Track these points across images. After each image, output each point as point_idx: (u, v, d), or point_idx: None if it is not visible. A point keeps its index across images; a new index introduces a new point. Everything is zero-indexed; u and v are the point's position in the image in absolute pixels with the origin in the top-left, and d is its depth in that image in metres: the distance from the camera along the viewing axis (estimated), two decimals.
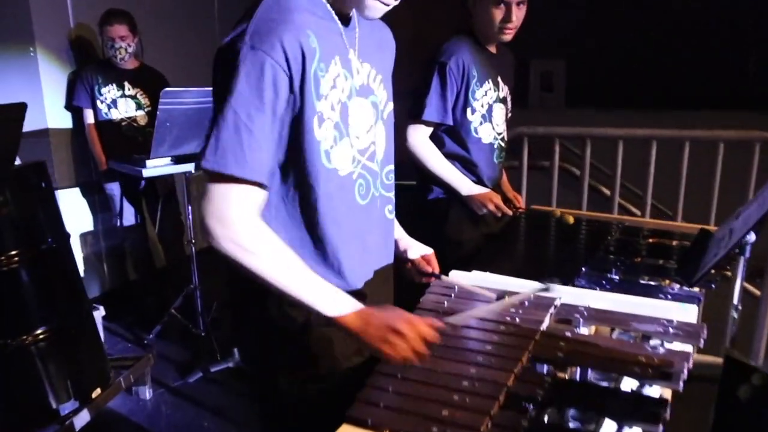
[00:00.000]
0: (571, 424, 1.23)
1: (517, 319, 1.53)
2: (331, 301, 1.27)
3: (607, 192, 3.49)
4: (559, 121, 3.64)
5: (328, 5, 1.35)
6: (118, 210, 3.98)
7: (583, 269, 2.10)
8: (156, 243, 4.30)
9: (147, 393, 3.19)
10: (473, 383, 1.24)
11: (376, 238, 1.52)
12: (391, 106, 1.57)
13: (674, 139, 3.06)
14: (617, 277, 2.04)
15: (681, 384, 1.26)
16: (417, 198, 2.51)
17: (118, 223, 4.03)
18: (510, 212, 2.44)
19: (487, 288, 1.73)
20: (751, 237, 1.83)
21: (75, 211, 4.16)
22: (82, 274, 4.21)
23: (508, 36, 2.36)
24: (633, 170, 3.24)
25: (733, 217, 2.03)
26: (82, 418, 2.64)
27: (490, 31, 2.35)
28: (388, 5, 1.32)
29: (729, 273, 2.10)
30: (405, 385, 1.25)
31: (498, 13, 2.29)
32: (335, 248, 1.39)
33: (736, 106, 4.59)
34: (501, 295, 1.64)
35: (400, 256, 1.71)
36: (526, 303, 1.63)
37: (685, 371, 1.29)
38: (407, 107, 2.31)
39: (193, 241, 3.61)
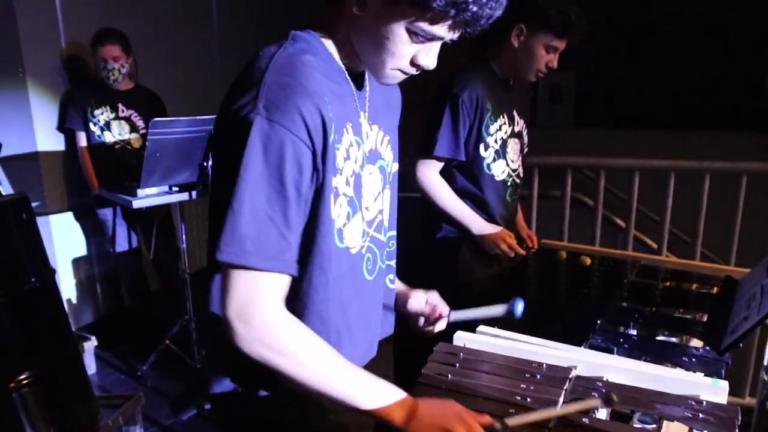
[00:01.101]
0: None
1: (529, 399, 1.38)
2: (374, 393, 1.11)
3: (622, 223, 3.34)
4: (569, 140, 3.49)
5: (342, 66, 1.20)
6: (111, 235, 3.85)
7: (599, 323, 1.96)
8: (150, 268, 4.17)
9: None
10: None
11: (379, 312, 1.38)
12: (396, 166, 1.42)
13: (693, 170, 2.90)
14: (635, 332, 1.90)
15: None
16: (425, 236, 2.36)
17: (112, 249, 3.89)
18: (523, 252, 2.29)
19: (494, 353, 1.59)
20: None
21: (67, 236, 4.04)
22: (74, 300, 4.11)
23: (537, 78, 2.23)
24: (649, 197, 3.08)
25: (763, 268, 1.88)
26: None
27: (525, 69, 2.20)
28: (407, 75, 1.16)
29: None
30: None
31: (545, 58, 2.16)
32: (339, 336, 1.24)
33: (753, 125, 4.43)
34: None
35: (401, 311, 1.54)
36: (538, 376, 1.48)
37: None
38: (417, 140, 2.18)
39: (188, 271, 3.47)
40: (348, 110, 1.19)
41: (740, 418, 1.31)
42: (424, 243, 2.35)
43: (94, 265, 4.23)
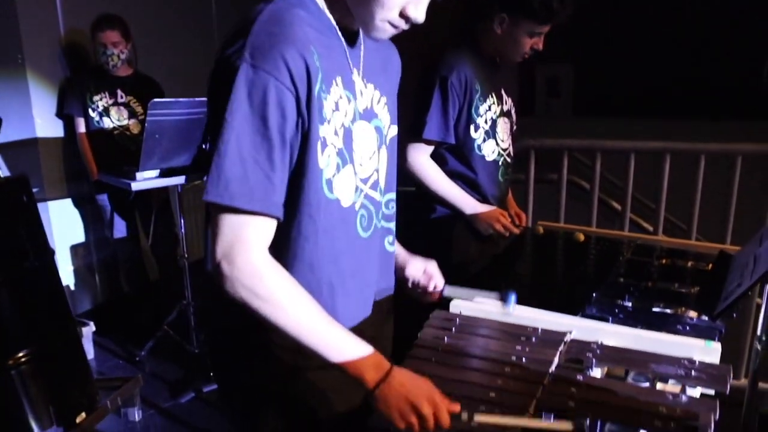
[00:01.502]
0: None
1: (524, 359, 1.40)
2: (351, 348, 1.14)
3: (618, 206, 3.34)
4: (567, 130, 3.50)
5: (333, 21, 1.22)
6: (109, 221, 3.86)
7: (594, 295, 1.97)
8: (149, 255, 4.18)
9: (136, 415, 3.06)
10: None
11: (375, 272, 1.39)
12: (394, 130, 1.44)
13: (689, 151, 2.91)
14: (630, 305, 1.91)
15: None
16: (419, 217, 2.36)
17: (110, 236, 3.90)
18: (517, 231, 2.30)
19: (490, 320, 1.61)
20: None
21: (66, 223, 4.04)
22: (72, 287, 4.12)
23: (521, 59, 2.24)
24: (645, 183, 3.09)
25: (756, 241, 1.90)
26: None
27: (510, 54, 2.21)
28: (397, 28, 1.19)
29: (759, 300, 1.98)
30: None
31: (529, 42, 2.17)
32: (331, 286, 1.26)
33: (750, 114, 4.44)
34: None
35: (397, 275, 1.56)
36: (533, 339, 1.50)
37: (713, 424, 1.16)
38: (406, 124, 2.18)
39: (186, 255, 3.48)
40: (337, 64, 1.21)
41: (731, 375, 1.33)
42: (417, 224, 2.36)
43: (93, 252, 4.24)
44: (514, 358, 1.40)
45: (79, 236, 4.17)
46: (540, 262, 2.39)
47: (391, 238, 1.44)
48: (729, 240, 2.82)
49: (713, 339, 1.58)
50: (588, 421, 1.25)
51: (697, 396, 1.29)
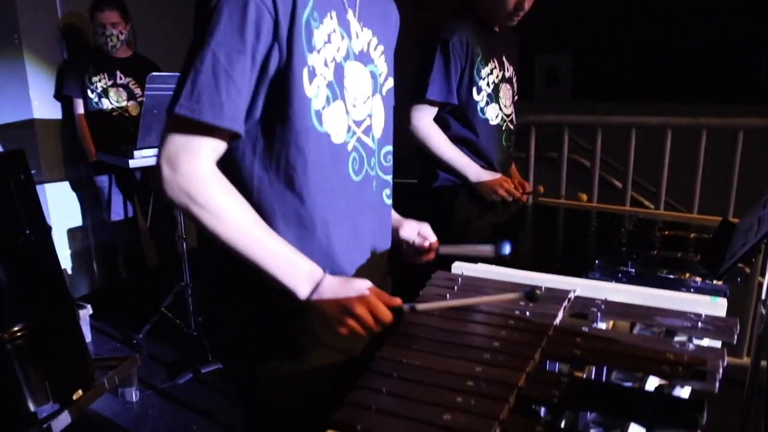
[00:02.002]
0: (592, 430, 1.07)
1: (528, 313, 1.38)
2: (286, 262, 1.14)
3: (619, 185, 3.32)
4: (567, 112, 3.46)
5: None
6: (107, 203, 3.83)
7: (597, 262, 1.95)
8: (148, 239, 4.15)
9: (133, 395, 3.04)
10: (479, 384, 1.08)
11: (371, 221, 1.37)
12: (391, 82, 1.43)
13: (691, 127, 2.89)
14: (633, 271, 1.89)
15: (716, 385, 1.10)
16: (421, 186, 2.35)
17: (108, 218, 3.87)
18: (520, 197, 2.28)
19: (493, 280, 1.59)
20: None
21: (63, 207, 4.02)
22: (70, 271, 4.09)
23: (515, 21, 2.24)
24: (646, 163, 3.06)
25: (760, 205, 1.88)
26: (62, 421, 2.48)
27: (499, 15, 2.22)
28: None
29: (747, 269, 1.96)
30: (401, 386, 1.09)
31: (511, 1, 2.16)
32: (325, 223, 1.24)
33: (751, 101, 4.42)
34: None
35: (392, 237, 1.55)
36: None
37: (721, 370, 1.14)
38: (409, 89, 2.17)
39: (185, 237, 3.46)
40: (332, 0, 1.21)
41: (738, 327, 1.31)
42: (420, 192, 2.34)
43: (90, 236, 4.21)
44: (517, 312, 1.38)
45: (77, 220, 4.14)
46: (542, 233, 2.37)
47: (388, 191, 1.42)
48: (731, 216, 2.80)
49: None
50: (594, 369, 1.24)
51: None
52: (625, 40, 5.87)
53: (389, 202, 1.43)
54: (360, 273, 1.34)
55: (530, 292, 1.24)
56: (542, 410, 1.10)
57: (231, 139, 1.15)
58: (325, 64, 1.19)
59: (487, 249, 1.59)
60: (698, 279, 1.77)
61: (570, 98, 6.40)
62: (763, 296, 1.78)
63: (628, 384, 1.21)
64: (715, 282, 1.70)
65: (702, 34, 5.44)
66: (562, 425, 1.03)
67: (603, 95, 5.86)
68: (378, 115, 1.36)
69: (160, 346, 3.57)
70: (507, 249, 1.56)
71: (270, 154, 1.18)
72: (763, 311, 1.79)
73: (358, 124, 1.29)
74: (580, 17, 6.01)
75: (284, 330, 1.25)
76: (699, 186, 2.88)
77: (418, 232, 1.56)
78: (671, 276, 1.86)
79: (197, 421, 2.85)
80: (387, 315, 1.14)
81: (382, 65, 1.36)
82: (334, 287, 1.14)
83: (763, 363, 2.70)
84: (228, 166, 1.19)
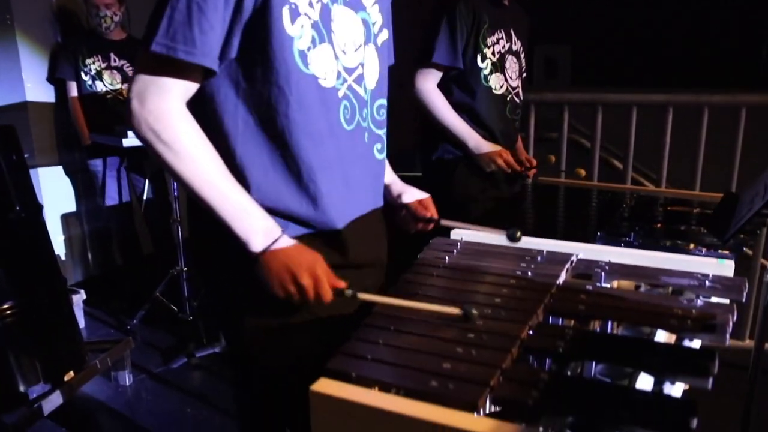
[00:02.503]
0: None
1: (529, 273, 1.34)
2: (245, 212, 1.12)
3: (620, 166, 3.27)
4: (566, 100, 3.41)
5: None
6: (101, 188, 3.78)
7: (599, 234, 1.91)
8: (142, 225, 4.10)
9: (127, 379, 2.98)
10: (481, 336, 1.04)
11: (362, 174, 1.33)
12: (386, 34, 1.39)
13: (692, 105, 2.84)
14: (636, 243, 1.85)
15: (727, 337, 1.06)
16: (421, 157, 2.32)
17: (102, 203, 3.81)
18: (520, 169, 2.24)
19: (494, 244, 1.55)
20: None
21: (57, 192, 3.96)
22: (63, 257, 4.04)
23: None
24: (648, 145, 3.01)
25: (765, 174, 1.84)
26: (53, 401, 2.43)
27: None
28: None
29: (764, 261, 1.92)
30: (398, 338, 1.05)
31: None
32: (311, 168, 1.20)
33: (753, 89, 4.38)
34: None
35: (393, 203, 1.52)
36: (539, 259, 1.43)
37: (731, 324, 1.09)
38: (414, 54, 2.14)
39: (179, 220, 3.41)
40: None
41: (747, 286, 1.26)
42: (419, 165, 2.31)
43: (84, 222, 4.16)
44: (519, 272, 1.34)
45: (71, 206, 4.09)
46: (543, 209, 2.33)
47: (380, 145, 1.38)
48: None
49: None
50: (599, 324, 1.19)
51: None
52: (624, 30, 5.82)
53: (381, 157, 1.39)
54: (354, 226, 1.30)
55: (512, 234, 1.19)
56: (547, 362, 1.05)
57: (204, 76, 1.13)
58: (310, 4, 1.15)
59: (497, 233, 1.53)
60: (703, 249, 1.73)
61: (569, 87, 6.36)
62: None
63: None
64: (720, 252, 1.66)
65: (702, 23, 5.40)
66: (569, 373, 0.98)
67: (603, 86, 5.81)
68: (371, 66, 1.32)
69: (155, 332, 3.52)
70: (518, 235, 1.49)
71: (252, 95, 1.15)
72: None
73: (349, 71, 1.25)
74: (580, 7, 5.97)
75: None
76: (701, 164, 2.84)
77: (420, 200, 1.54)
78: (676, 246, 1.83)
79: (191, 404, 2.79)
80: (328, 294, 1.12)
81: (375, 15, 1.32)
82: (289, 251, 1.12)
83: (740, 343, 2.67)
84: (213, 111, 1.17)
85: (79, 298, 3.57)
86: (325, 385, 0.89)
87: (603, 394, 0.87)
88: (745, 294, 1.24)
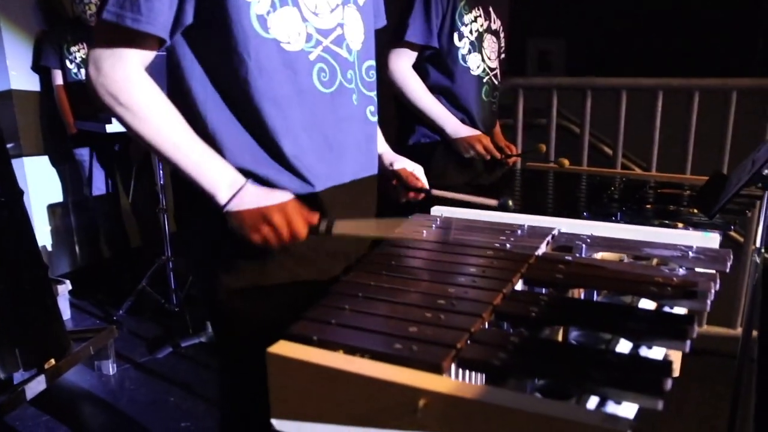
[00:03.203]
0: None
1: (508, 245, 1.29)
2: (208, 166, 1.12)
3: (610, 152, 3.23)
4: (560, 98, 3.35)
5: None
6: (87, 177, 3.73)
7: (585, 214, 1.87)
8: (130, 217, 4.06)
9: (110, 368, 2.94)
10: (451, 302, 1.00)
11: (349, 137, 1.29)
12: None
13: (682, 88, 2.80)
14: (624, 222, 1.81)
15: (708, 304, 1.02)
16: (396, 142, 2.25)
17: (89, 193, 3.77)
18: (499, 155, 2.18)
19: (474, 219, 1.51)
20: None
21: (43, 182, 3.91)
22: (50, 248, 3.99)
23: None
24: (637, 129, 2.97)
25: (755, 151, 1.81)
26: (35, 387, 2.39)
27: None
28: None
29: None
30: (366, 304, 1.01)
31: None
32: (277, 133, 1.17)
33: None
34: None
35: (384, 171, 1.49)
36: (519, 232, 1.39)
37: (713, 291, 1.05)
38: (388, 32, 2.08)
39: (165, 209, 3.37)
40: None
41: (731, 258, 1.22)
42: (396, 149, 2.25)
43: (71, 213, 4.10)
44: (497, 245, 1.30)
45: (57, 196, 4.03)
46: (529, 193, 2.28)
47: (372, 108, 1.35)
48: None
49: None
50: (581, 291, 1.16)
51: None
52: (619, 23, 5.78)
53: (374, 119, 1.36)
54: (337, 191, 1.27)
55: (504, 202, 1.16)
56: (521, 329, 1.01)
57: (161, 44, 1.13)
58: None
59: (490, 202, 1.49)
60: (691, 229, 1.69)
61: None
62: (758, 244, 1.69)
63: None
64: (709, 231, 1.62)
65: (699, 14, 5.37)
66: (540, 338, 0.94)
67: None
68: (353, 27, 1.28)
69: (141, 322, 3.48)
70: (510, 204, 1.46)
71: (214, 62, 1.15)
72: (757, 259, 1.71)
73: (325, 33, 1.21)
74: (573, 1, 5.93)
75: (249, 246, 1.18)
76: (692, 149, 2.79)
77: (412, 170, 1.52)
78: (663, 225, 1.79)
79: (175, 393, 2.75)
80: (303, 229, 1.11)
81: None
82: (256, 195, 1.11)
83: (755, 333, 2.64)
84: (181, 78, 1.17)
85: (64, 289, 3.52)
86: (284, 348, 0.85)
87: (574, 356, 0.83)
88: (729, 264, 1.20)
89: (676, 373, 2.39)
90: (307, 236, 1.13)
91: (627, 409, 0.79)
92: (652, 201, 2.06)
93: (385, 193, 1.52)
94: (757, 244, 1.70)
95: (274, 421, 0.87)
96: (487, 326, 0.95)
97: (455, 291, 1.04)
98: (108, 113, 1.11)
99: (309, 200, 1.20)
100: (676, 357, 2.36)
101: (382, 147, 1.53)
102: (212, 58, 1.14)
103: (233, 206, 1.11)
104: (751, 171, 1.48)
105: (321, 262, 1.24)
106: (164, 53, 1.19)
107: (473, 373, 0.92)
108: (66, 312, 3.56)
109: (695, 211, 1.82)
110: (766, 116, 2.62)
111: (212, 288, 1.24)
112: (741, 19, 5.16)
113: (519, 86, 3.02)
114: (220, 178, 1.11)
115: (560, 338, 1.04)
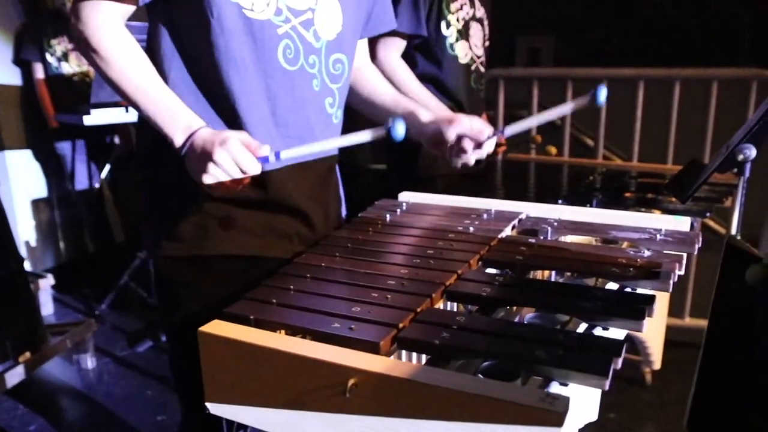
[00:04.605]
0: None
1: (472, 228, 1.26)
2: (168, 111, 1.11)
3: (591, 143, 3.19)
4: (549, 93, 3.29)
5: None
6: (70, 172, 3.69)
7: (559, 201, 1.84)
8: (113, 210, 4.01)
9: (89, 362, 2.90)
10: (401, 283, 0.96)
11: (299, 120, 1.24)
12: None
13: (663, 78, 2.76)
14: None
15: (670, 284, 0.98)
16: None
17: (71, 186, 3.72)
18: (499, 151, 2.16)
19: (441, 205, 1.47)
20: (751, 152, 1.53)
21: (25, 176, 3.86)
22: (34, 243, 3.95)
23: None
24: (619, 120, 2.92)
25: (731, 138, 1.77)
26: (12, 378, 2.35)
27: None
28: None
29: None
30: (313, 285, 0.97)
31: None
32: (233, 94, 1.16)
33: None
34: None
35: (440, 141, 1.36)
36: (485, 216, 1.35)
37: (677, 272, 1.02)
38: None
39: None
40: None
41: (700, 240, 1.19)
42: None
43: (55, 208, 4.05)
44: (460, 228, 1.26)
45: (41, 191, 3.99)
46: (512, 182, 2.25)
47: (332, 100, 1.29)
48: None
49: None
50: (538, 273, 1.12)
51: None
52: (608, 20, 5.75)
53: (331, 111, 1.30)
54: (284, 168, 1.22)
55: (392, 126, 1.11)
56: (470, 308, 0.97)
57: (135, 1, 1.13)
58: None
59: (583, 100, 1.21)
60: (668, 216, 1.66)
61: None
62: (733, 231, 1.64)
63: None
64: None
65: (687, 13, 5.34)
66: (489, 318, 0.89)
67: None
68: (327, 14, 1.24)
69: (123, 317, 3.43)
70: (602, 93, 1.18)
71: (179, 18, 1.15)
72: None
73: (295, 13, 1.18)
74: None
75: (190, 212, 1.18)
76: (673, 140, 2.75)
77: (471, 125, 1.36)
78: (639, 211, 1.75)
79: (152, 387, 2.71)
80: (250, 163, 1.04)
81: None
82: (205, 137, 1.07)
83: (702, 322, 2.60)
84: (151, 35, 1.20)
85: (46, 283, 3.48)
86: (217, 327, 0.81)
87: (520, 336, 0.80)
88: (697, 247, 1.16)
89: (657, 365, 2.35)
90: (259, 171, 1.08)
91: (576, 390, 0.75)
92: (631, 190, 2.02)
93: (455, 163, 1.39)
94: (733, 231, 1.65)
95: (209, 405, 0.83)
96: (437, 302, 0.91)
97: (408, 272, 1.00)
98: (83, 56, 1.14)
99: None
100: (657, 349, 2.33)
101: (428, 115, 1.41)
102: (178, 13, 1.15)
103: (187, 149, 1.09)
104: (724, 154, 1.44)
105: (270, 240, 1.21)
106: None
107: (422, 355, 0.88)
108: (49, 306, 3.52)
109: (674, 199, 1.79)
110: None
111: (155, 256, 1.21)
112: (728, 8, 5.12)
113: (500, 77, 2.97)
114: (176, 121, 1.10)
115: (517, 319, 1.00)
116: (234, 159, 1.02)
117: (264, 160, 1.05)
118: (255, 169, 1.05)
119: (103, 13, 1.11)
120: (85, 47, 1.11)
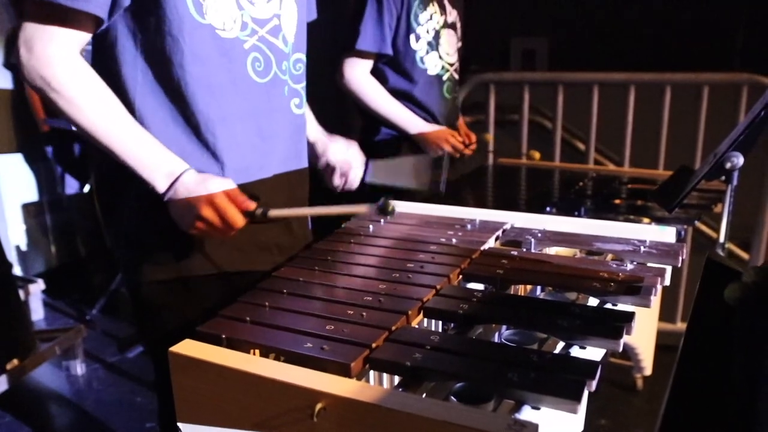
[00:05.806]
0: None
1: (454, 240, 1.24)
2: (148, 155, 1.06)
3: (582, 147, 3.17)
4: (544, 97, 3.28)
5: None
6: (61, 175, 3.67)
7: (548, 209, 1.82)
8: None
9: (79, 368, 2.88)
10: (378, 299, 0.95)
11: (279, 128, 1.24)
12: None
13: (654, 83, 2.75)
14: (586, 216, 1.76)
15: (651, 299, 0.97)
16: (363, 140, 2.19)
17: (62, 191, 3.71)
18: (468, 152, 2.14)
19: (425, 214, 1.46)
20: (739, 160, 1.52)
21: (16, 180, 3.84)
22: (25, 248, 3.93)
23: None
24: (610, 124, 2.91)
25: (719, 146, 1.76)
26: None
27: None
28: None
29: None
30: (288, 301, 0.96)
31: None
32: (210, 120, 1.13)
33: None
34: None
35: (316, 161, 1.44)
36: (468, 227, 1.34)
37: (658, 287, 1.01)
38: (341, 39, 2.01)
39: None
40: None
41: (685, 253, 1.18)
42: (362, 147, 2.19)
43: (46, 212, 4.04)
44: (443, 239, 1.25)
45: (32, 195, 3.96)
46: (498, 190, 2.24)
47: (298, 100, 1.30)
48: None
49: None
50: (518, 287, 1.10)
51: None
52: (603, 22, 5.73)
53: (299, 112, 1.31)
54: (268, 182, 1.22)
55: (382, 205, 1.10)
56: (449, 325, 0.96)
57: (98, 25, 1.06)
58: None
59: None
60: (654, 223, 1.65)
61: None
62: (722, 239, 1.63)
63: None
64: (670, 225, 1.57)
65: (681, 14, 5.33)
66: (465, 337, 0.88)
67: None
68: (290, 18, 1.24)
69: (115, 322, 3.42)
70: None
71: (149, 46, 1.09)
72: (721, 253, 1.66)
73: (261, 23, 1.17)
74: (557, 1, 5.87)
75: (173, 236, 1.13)
76: (664, 144, 2.74)
77: (344, 158, 1.45)
78: (628, 220, 1.74)
79: (142, 393, 2.70)
80: (237, 218, 1.05)
81: None
82: (189, 186, 1.05)
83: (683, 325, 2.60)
84: (114, 62, 1.11)
85: (37, 288, 3.46)
86: (188, 347, 0.80)
87: (494, 357, 0.78)
88: (681, 259, 1.15)
89: (648, 371, 2.33)
90: (245, 223, 1.08)
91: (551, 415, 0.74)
92: (621, 196, 2.02)
93: (323, 182, 1.46)
94: (721, 239, 1.64)
95: (181, 425, 0.82)
96: (414, 320, 0.90)
97: (386, 287, 0.99)
98: (40, 94, 1.04)
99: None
100: (648, 355, 2.31)
101: (316, 134, 1.46)
102: (147, 42, 1.09)
103: (171, 196, 1.06)
104: (711, 163, 1.43)
105: (250, 253, 1.19)
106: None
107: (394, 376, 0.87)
108: (39, 312, 3.50)
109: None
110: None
111: (136, 280, 1.19)
112: (721, 12, 5.11)
113: (490, 81, 2.96)
114: (157, 166, 1.06)
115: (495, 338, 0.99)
116: (221, 216, 1.01)
117: (250, 215, 1.06)
118: (241, 223, 1.04)
119: (58, 43, 1.01)
120: (42, 86, 1.01)
